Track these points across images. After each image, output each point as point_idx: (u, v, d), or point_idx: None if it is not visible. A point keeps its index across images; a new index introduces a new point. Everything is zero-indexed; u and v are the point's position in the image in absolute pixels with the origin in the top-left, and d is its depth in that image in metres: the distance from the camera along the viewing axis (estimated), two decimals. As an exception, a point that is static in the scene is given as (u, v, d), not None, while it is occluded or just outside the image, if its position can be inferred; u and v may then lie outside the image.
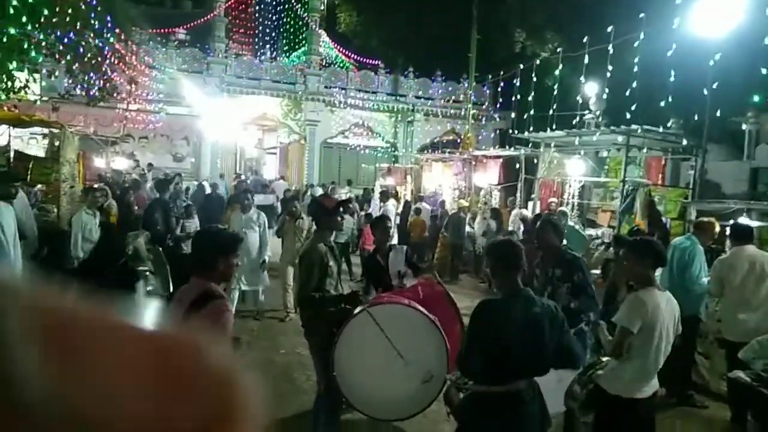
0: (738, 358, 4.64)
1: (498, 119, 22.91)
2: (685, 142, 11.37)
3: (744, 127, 13.09)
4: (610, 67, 11.85)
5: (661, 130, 10.86)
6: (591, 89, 14.38)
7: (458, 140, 21.74)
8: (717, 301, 6.08)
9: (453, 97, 23.36)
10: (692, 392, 5.91)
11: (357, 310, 4.15)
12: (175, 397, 0.35)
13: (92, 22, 10.60)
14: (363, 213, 13.80)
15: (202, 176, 19.58)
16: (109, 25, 11.95)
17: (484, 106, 23.38)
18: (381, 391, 4.19)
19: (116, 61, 13.96)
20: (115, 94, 14.00)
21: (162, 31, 20.90)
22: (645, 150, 12.32)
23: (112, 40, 12.74)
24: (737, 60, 9.95)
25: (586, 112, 14.70)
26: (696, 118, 11.50)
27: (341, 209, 4.53)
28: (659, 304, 3.51)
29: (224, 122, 19.93)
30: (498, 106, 21.66)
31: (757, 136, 13.13)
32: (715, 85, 9.96)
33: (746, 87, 10.99)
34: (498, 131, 22.90)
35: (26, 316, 0.34)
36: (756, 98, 10.63)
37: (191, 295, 2.85)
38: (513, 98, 16.50)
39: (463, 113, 22.19)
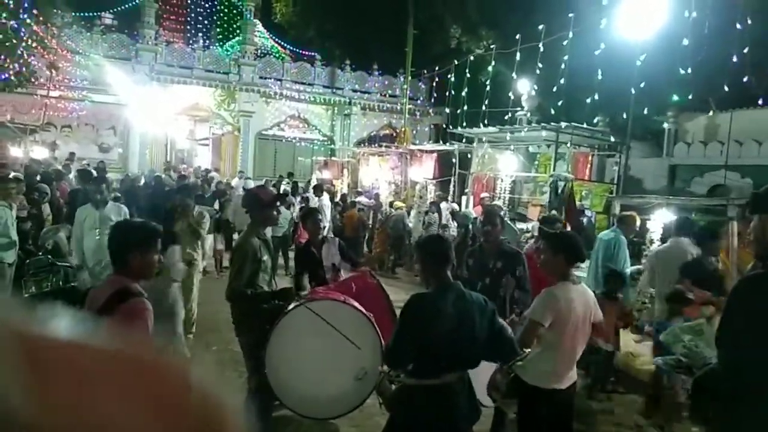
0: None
1: (433, 114, 23.18)
2: (612, 139, 11.86)
3: (664, 126, 13.80)
4: (540, 65, 12.19)
5: (588, 127, 11.28)
6: (523, 86, 14.75)
7: (395, 134, 21.86)
8: (639, 291, 6.37)
9: (390, 92, 23.42)
10: (614, 378, 6.17)
11: (292, 306, 4.08)
12: (162, 419, 0.35)
13: (6, 1, 9.96)
14: (299, 206, 13.65)
15: (130, 167, 18.82)
16: (26, 5, 11.26)
17: (420, 101, 23.58)
18: (313, 390, 4.14)
19: (34, 45, 13.17)
20: (33, 80, 13.21)
21: (87, 14, 19.90)
22: (572, 146, 12.76)
23: (29, 21, 12.01)
24: (660, 61, 10.44)
25: (518, 108, 15.08)
26: (622, 116, 12.03)
27: (278, 203, 4.43)
28: (572, 298, 3.58)
29: (154, 112, 19.21)
30: (433, 101, 21.92)
31: (675, 134, 13.87)
32: (642, 85, 10.41)
33: (668, 87, 11.55)
34: (434, 126, 23.17)
35: (10, 341, 0.34)
36: (675, 97, 11.19)
37: (106, 292, 2.71)
38: (448, 94, 16.72)
39: (399, 108, 22.29)
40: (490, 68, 14.48)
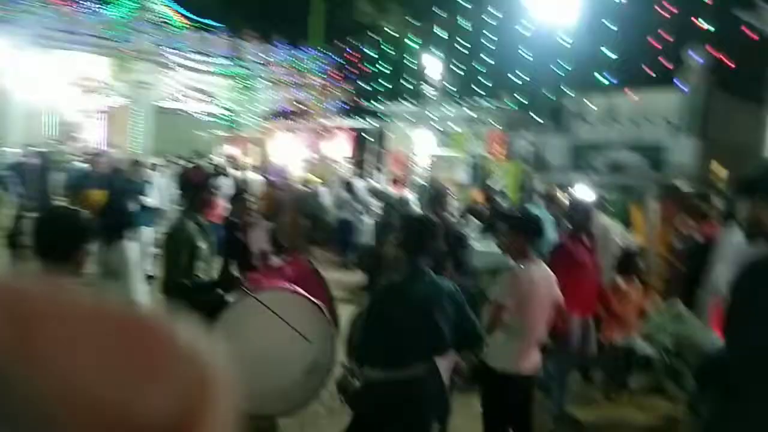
0: None
1: (342, 90, 22.77)
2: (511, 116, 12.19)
3: (566, 105, 14.37)
4: (460, 41, 12.23)
5: (502, 106, 11.49)
6: (435, 63, 14.78)
7: (303, 109, 21.29)
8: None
9: (296, 65, 22.71)
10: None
11: (237, 297, 3.76)
12: (145, 380, 0.33)
13: None
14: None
15: (7, 143, 17.00)
16: None
17: (328, 76, 23.04)
18: (259, 384, 3.84)
19: None
20: None
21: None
22: (485, 124, 12.98)
23: None
24: (575, 41, 10.77)
25: (429, 85, 15.11)
26: (529, 95, 12.37)
27: (211, 183, 4.04)
28: (535, 279, 3.58)
29: (35, 81, 17.43)
30: (343, 76, 21.53)
31: (577, 114, 14.51)
32: (566, 63, 10.69)
33: (580, 67, 11.95)
34: (342, 102, 22.79)
35: None
36: (599, 77, 11.62)
37: None
38: (359, 69, 16.45)
39: (308, 82, 21.69)
40: (401, 44, 14.34)
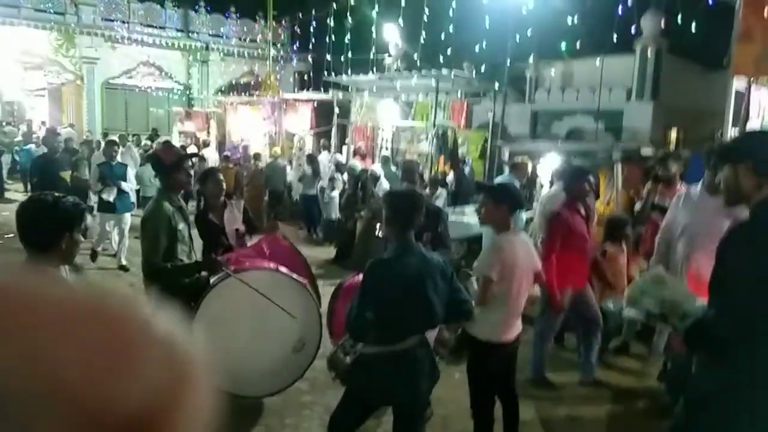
0: None
1: (297, 61, 22.36)
2: (475, 84, 12.21)
3: (526, 73, 14.46)
4: (426, 11, 12.09)
5: (464, 75, 11.47)
6: (397, 33, 14.62)
7: (259, 81, 20.85)
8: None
9: (250, 37, 22.16)
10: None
11: (219, 277, 3.70)
12: (121, 372, 0.32)
13: None
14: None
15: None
16: None
17: (284, 48, 22.59)
18: (247, 366, 3.83)
19: None
20: None
21: None
22: (448, 94, 12.95)
23: None
24: (537, 8, 10.78)
25: (386, 55, 14.96)
26: (488, 63, 12.38)
27: (186, 163, 3.92)
28: (516, 248, 3.62)
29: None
30: (296, 47, 21.15)
31: (536, 81, 14.62)
32: (530, 32, 10.67)
33: (548, 34, 11.96)
34: (299, 74, 22.40)
35: None
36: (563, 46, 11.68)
37: None
38: (314, 39, 16.13)
39: (260, 53, 21.22)
40: (374, 14, 14.05)
